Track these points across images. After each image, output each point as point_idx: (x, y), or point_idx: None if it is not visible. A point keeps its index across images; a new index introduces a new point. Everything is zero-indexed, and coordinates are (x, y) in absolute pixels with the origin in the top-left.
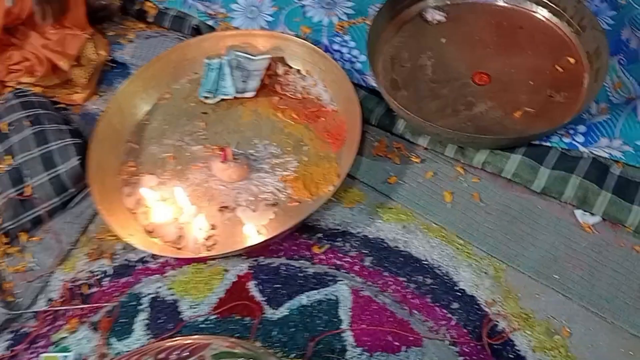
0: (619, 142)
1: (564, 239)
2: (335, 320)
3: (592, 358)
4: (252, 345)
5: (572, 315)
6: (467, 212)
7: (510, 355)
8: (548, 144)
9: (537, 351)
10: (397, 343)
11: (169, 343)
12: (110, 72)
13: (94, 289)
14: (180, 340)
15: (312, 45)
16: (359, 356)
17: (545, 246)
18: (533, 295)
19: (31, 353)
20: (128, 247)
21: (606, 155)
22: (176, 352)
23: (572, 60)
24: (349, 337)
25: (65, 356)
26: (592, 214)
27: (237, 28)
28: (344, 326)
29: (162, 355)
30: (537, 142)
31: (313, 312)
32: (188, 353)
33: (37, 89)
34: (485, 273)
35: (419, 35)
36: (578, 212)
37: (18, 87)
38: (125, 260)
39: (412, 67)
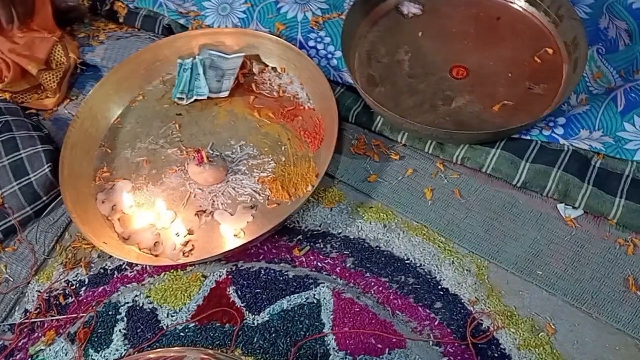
0: (599, 133)
1: (547, 233)
2: (317, 324)
3: (578, 354)
4: (230, 356)
5: (556, 311)
6: (448, 209)
7: (495, 354)
8: (528, 137)
9: (522, 349)
10: (380, 345)
11: (143, 357)
12: (81, 75)
13: (71, 299)
14: (155, 354)
15: (287, 42)
16: None
17: (528, 241)
18: (517, 292)
19: None
20: (104, 256)
21: (586, 147)
22: None
23: (550, 51)
24: (331, 341)
25: None
26: (575, 208)
27: (209, 26)
28: (326, 330)
29: None
30: (516, 136)
31: (294, 317)
32: None
33: (6, 95)
34: (468, 271)
35: (395, 30)
36: (560, 206)
37: None
38: (102, 268)
39: (388, 62)
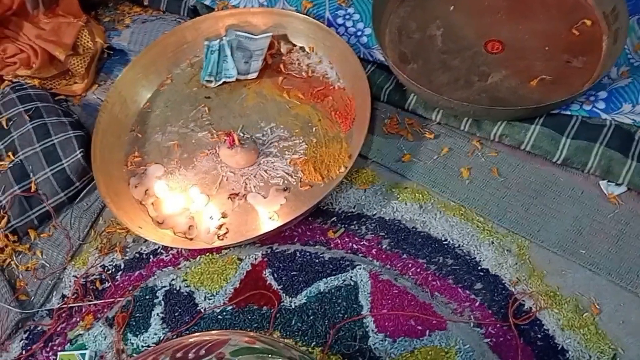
0: None
1: (589, 211)
2: (355, 306)
3: (624, 334)
4: (272, 338)
5: (600, 291)
6: (486, 188)
7: (539, 335)
8: (568, 112)
9: (566, 329)
10: (420, 327)
11: (185, 341)
12: (108, 60)
13: (107, 284)
14: (197, 338)
15: (315, 21)
16: (382, 342)
17: (569, 220)
18: (559, 272)
19: (48, 351)
20: (139, 240)
21: (630, 122)
22: (194, 351)
23: (588, 22)
24: (370, 323)
25: (83, 354)
26: (618, 184)
27: (235, 6)
28: (364, 312)
29: (179, 355)
30: (556, 111)
31: (332, 299)
32: (204, 352)
33: (35, 82)
34: (509, 251)
35: (426, 4)
36: (603, 183)
37: (15, 80)
38: (137, 253)
39: (420, 38)
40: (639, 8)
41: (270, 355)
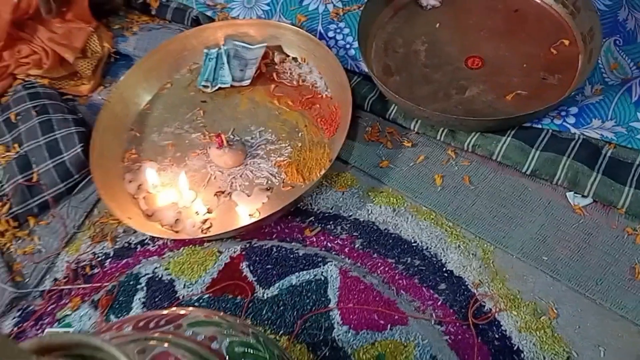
0: (612, 123)
1: (554, 221)
2: (324, 299)
3: (579, 339)
4: (230, 316)
5: (560, 297)
6: (457, 195)
7: (496, 335)
8: (539, 126)
9: (523, 331)
10: (382, 322)
11: (149, 314)
12: (114, 64)
13: (96, 270)
14: (159, 311)
15: (307, 33)
16: (345, 334)
17: (535, 228)
18: (521, 277)
19: (37, 329)
20: (129, 231)
21: (597, 137)
22: (154, 321)
23: (566, 42)
24: (336, 315)
25: (68, 332)
26: (584, 196)
27: (234, 18)
28: (331, 305)
29: (141, 324)
30: (528, 125)
31: (302, 292)
32: (164, 322)
33: (45, 81)
34: (474, 255)
35: (413, 21)
36: (569, 194)
37: (27, 79)
38: (126, 243)
39: (405, 53)
40: (616, 30)
41: (223, 327)
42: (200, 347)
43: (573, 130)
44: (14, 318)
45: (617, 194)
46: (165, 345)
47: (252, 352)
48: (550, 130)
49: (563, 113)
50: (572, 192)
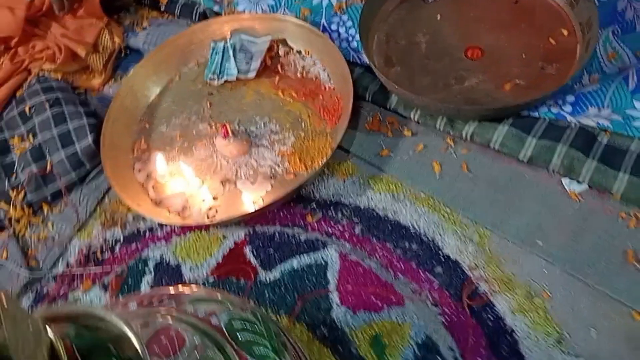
0: (608, 111)
1: (550, 206)
2: (323, 281)
3: (572, 320)
4: (230, 295)
5: (554, 280)
6: (455, 182)
7: (490, 317)
8: (536, 114)
9: (516, 313)
10: (379, 303)
11: (153, 292)
12: (125, 59)
13: (107, 254)
14: (161, 289)
15: (310, 27)
16: (344, 315)
17: (531, 214)
18: (516, 261)
19: None
20: (138, 218)
21: (594, 124)
22: (157, 298)
23: (565, 32)
24: (335, 297)
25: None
26: (579, 182)
27: (241, 12)
28: (330, 287)
29: (145, 301)
30: (525, 114)
31: (303, 275)
32: (166, 298)
33: (58, 75)
34: (470, 239)
35: (415, 13)
36: (565, 180)
37: (41, 73)
38: (135, 229)
39: (406, 44)
40: (615, 19)
41: (223, 304)
42: (201, 321)
43: (569, 118)
44: (28, 299)
45: (612, 179)
46: (168, 319)
47: (249, 327)
48: (548, 119)
49: (560, 102)
50: (568, 179)
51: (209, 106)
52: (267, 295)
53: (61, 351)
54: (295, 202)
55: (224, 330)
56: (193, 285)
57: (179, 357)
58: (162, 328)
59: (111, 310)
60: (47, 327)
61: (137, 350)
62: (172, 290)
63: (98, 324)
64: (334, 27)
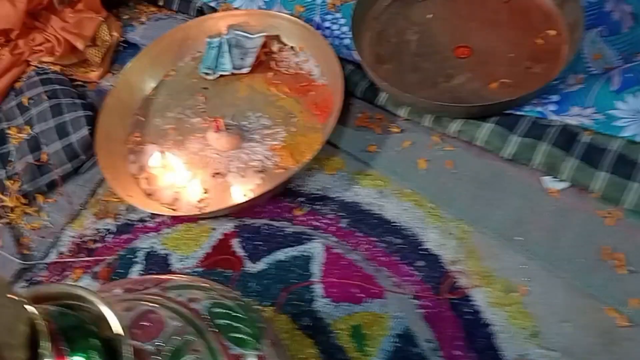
0: (591, 110)
1: (531, 203)
2: (307, 274)
3: (547, 314)
4: (213, 282)
5: (532, 275)
6: (440, 178)
7: (468, 310)
8: (521, 113)
9: (494, 306)
10: (361, 295)
11: (139, 278)
12: (122, 52)
13: (99, 244)
14: (146, 277)
15: (304, 23)
16: (326, 305)
17: (512, 210)
18: (496, 256)
19: None
20: (130, 209)
21: (576, 123)
22: (142, 284)
23: (553, 32)
24: (318, 289)
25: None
26: (561, 180)
27: (237, 8)
28: (314, 279)
29: (129, 286)
30: (510, 112)
31: (288, 267)
32: (150, 284)
33: (57, 67)
34: (451, 234)
35: (407, 12)
36: (546, 178)
37: (40, 65)
38: (127, 220)
39: (397, 42)
40: (601, 21)
41: (205, 291)
42: (182, 307)
43: (553, 117)
44: (20, 287)
45: (592, 178)
46: (150, 304)
47: (231, 313)
48: (531, 118)
49: (545, 101)
50: (548, 177)
51: (203, 100)
52: (252, 286)
53: (42, 326)
54: (284, 195)
55: (206, 315)
56: (178, 274)
57: (160, 339)
58: (144, 312)
59: (94, 292)
60: (27, 303)
61: (117, 330)
62: (155, 277)
63: (81, 305)
64: (327, 24)
